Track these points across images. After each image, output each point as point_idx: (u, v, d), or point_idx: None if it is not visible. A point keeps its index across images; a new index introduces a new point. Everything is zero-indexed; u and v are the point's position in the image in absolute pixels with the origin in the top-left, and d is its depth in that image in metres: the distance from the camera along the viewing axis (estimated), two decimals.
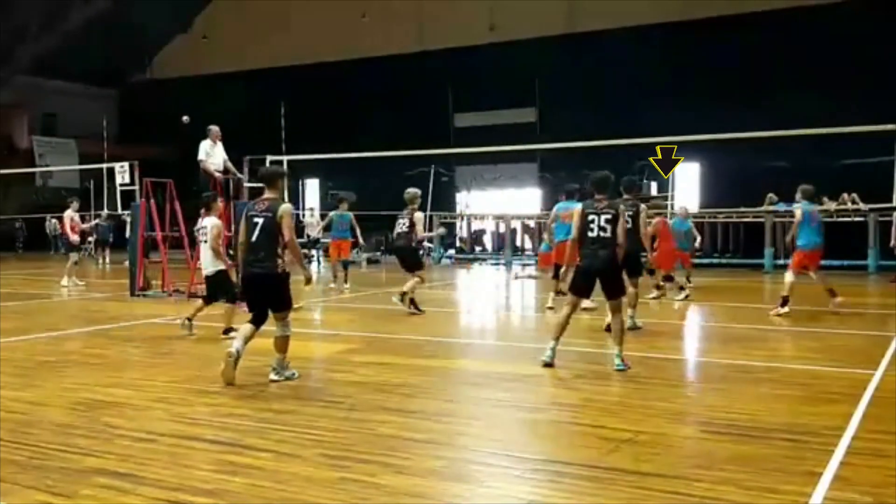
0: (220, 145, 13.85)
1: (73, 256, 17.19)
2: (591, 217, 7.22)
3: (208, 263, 9.60)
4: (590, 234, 7.21)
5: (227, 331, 9.00)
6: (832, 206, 19.83)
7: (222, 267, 9.55)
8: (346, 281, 15.77)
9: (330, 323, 10.73)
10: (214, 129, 13.79)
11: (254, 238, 6.74)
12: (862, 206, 19.01)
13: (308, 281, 7.31)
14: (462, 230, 29.48)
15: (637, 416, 5.68)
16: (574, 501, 4.05)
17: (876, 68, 23.27)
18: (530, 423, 5.71)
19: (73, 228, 17.57)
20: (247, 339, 6.81)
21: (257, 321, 6.90)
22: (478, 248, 28.62)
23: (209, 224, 9.57)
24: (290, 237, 6.68)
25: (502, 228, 27.02)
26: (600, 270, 7.23)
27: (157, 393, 6.50)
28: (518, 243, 27.39)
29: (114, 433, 5.28)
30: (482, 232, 29.37)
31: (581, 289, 7.45)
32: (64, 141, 35.95)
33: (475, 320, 12.56)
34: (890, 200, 16.45)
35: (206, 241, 9.61)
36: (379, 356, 8.19)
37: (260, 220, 6.72)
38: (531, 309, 13.11)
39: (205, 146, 13.68)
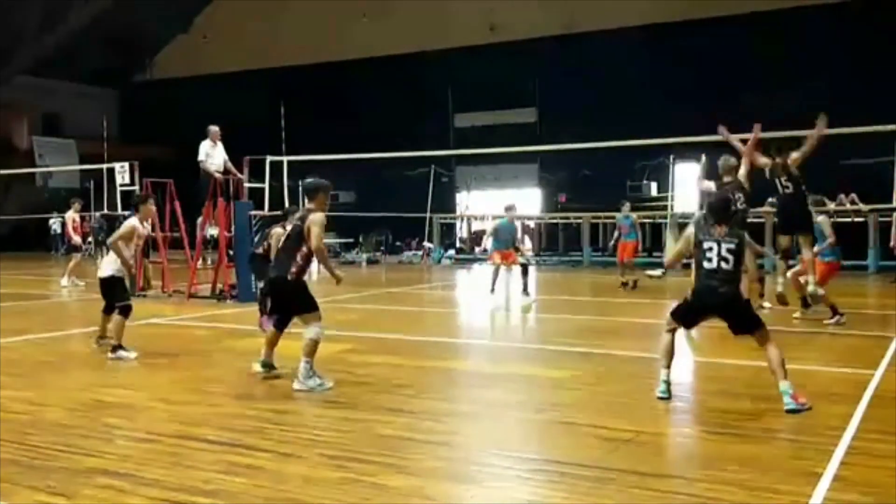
0: (220, 145, 13.85)
1: (76, 257, 17.21)
2: (707, 245, 6.01)
3: (105, 265, 8.44)
4: (706, 265, 6.00)
5: (116, 348, 8.01)
6: (831, 206, 19.84)
7: (117, 273, 8.31)
8: (525, 289, 13.41)
9: (330, 323, 10.70)
10: (214, 129, 13.79)
11: (280, 243, 7.03)
12: (862, 206, 19.01)
13: (338, 281, 7.18)
14: (462, 230, 29.48)
15: (637, 416, 5.68)
16: (574, 501, 4.05)
17: (876, 68, 23.27)
18: (530, 423, 5.71)
19: (75, 229, 17.59)
20: (271, 344, 7.04)
21: (280, 325, 7.06)
22: (478, 249, 28.61)
23: (125, 223, 8.51)
24: (315, 245, 6.67)
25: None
26: (718, 308, 6.05)
27: (157, 393, 6.50)
28: (516, 242, 27.33)
29: (114, 433, 5.28)
30: (482, 232, 29.36)
31: (686, 320, 6.28)
32: (64, 141, 35.94)
33: (475, 320, 12.55)
34: (890, 200, 16.44)
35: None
36: (379, 356, 8.19)
37: (289, 227, 7.00)
38: (530, 309, 13.11)
39: (205, 146, 13.68)
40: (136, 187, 15.83)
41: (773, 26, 25.16)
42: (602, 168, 25.87)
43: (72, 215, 17.67)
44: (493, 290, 13.14)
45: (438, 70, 30.17)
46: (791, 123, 19.25)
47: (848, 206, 19.48)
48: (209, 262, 16.02)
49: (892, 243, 17.62)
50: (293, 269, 6.69)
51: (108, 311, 8.45)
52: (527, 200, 30.42)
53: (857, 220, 19.82)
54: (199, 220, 15.42)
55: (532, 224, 27.22)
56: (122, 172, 16.53)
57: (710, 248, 5.95)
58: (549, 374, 7.32)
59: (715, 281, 5.94)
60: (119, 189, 16.95)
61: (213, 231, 14.53)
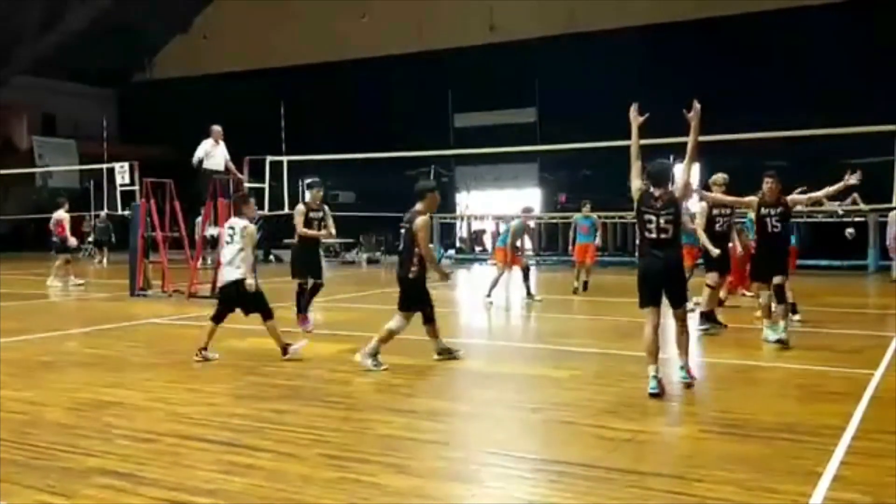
0: (222, 145, 13.84)
1: (64, 256, 17.22)
2: (647, 217, 6.38)
3: (234, 269, 7.75)
4: (648, 235, 6.41)
5: (203, 349, 7.77)
6: (833, 205, 19.83)
7: (244, 277, 7.69)
8: (528, 292, 14.18)
9: (330, 323, 10.72)
10: (217, 128, 13.77)
11: (400, 245, 7.65)
12: (862, 206, 18.99)
13: (445, 277, 7.85)
14: (462, 230, 29.47)
15: (637, 416, 5.68)
16: (574, 501, 4.05)
17: (876, 68, 23.27)
18: (530, 423, 5.72)
19: (64, 229, 17.56)
20: (433, 334, 7.86)
21: (426, 320, 7.73)
22: (478, 249, 28.61)
23: (239, 226, 7.84)
24: (423, 248, 7.35)
25: (502, 228, 27.01)
26: (661, 273, 6.36)
27: (157, 393, 6.50)
28: (517, 244, 27.35)
29: (114, 433, 5.28)
30: (482, 232, 29.36)
31: (646, 295, 6.40)
32: (64, 141, 35.93)
33: (475, 320, 12.55)
34: (890, 200, 16.45)
35: (231, 243, 7.82)
36: (379, 356, 8.17)
37: (403, 231, 7.55)
38: (530, 308, 13.12)
39: (206, 145, 13.67)
40: (136, 187, 15.82)
41: (773, 26, 25.17)
42: (602, 168, 25.80)
43: (62, 215, 17.65)
44: (490, 294, 13.15)
45: (438, 70, 30.17)
46: (791, 123, 19.34)
47: (848, 206, 19.45)
48: (209, 261, 16.02)
49: (888, 243, 17.64)
50: (413, 268, 7.39)
51: (217, 319, 7.81)
52: (527, 200, 30.43)
53: (857, 219, 19.80)
54: (199, 219, 15.43)
55: (532, 224, 27.21)
56: (121, 172, 16.51)
57: (650, 221, 6.39)
58: (549, 373, 7.32)
59: (656, 249, 6.39)
60: (119, 189, 16.94)
61: (213, 231, 14.53)
